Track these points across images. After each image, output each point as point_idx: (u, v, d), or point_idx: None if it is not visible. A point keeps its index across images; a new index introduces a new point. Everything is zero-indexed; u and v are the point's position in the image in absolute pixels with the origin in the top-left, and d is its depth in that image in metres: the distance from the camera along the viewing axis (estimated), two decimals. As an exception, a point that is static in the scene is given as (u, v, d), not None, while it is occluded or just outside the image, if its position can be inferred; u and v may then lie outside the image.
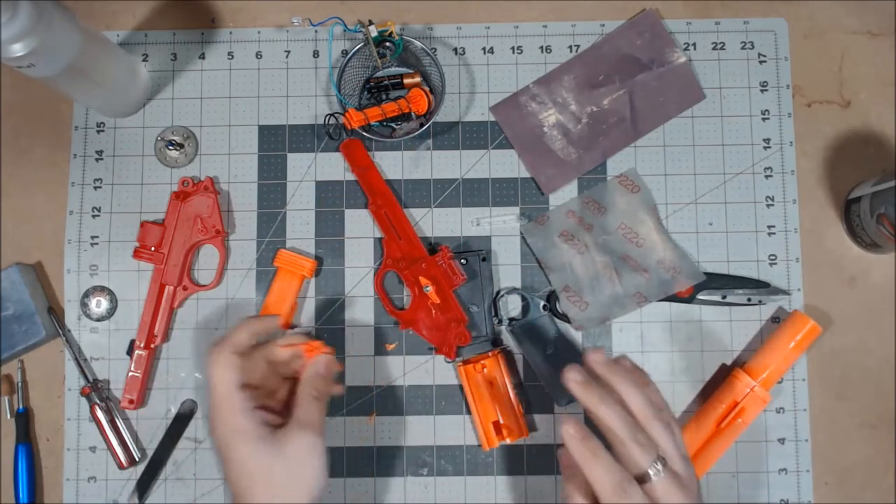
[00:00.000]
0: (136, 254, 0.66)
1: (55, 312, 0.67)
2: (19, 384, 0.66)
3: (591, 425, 0.49)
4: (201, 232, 0.66)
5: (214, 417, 0.52)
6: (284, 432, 0.52)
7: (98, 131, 0.69)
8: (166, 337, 0.67)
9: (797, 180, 0.68)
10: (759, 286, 0.66)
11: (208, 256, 0.68)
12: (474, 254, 0.66)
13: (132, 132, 0.69)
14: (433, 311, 0.64)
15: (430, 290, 0.64)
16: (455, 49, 0.70)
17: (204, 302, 0.67)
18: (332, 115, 0.67)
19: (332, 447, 0.65)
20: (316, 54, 0.70)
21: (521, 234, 0.67)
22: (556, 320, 0.66)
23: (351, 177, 0.68)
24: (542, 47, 0.70)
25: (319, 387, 0.55)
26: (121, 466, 0.64)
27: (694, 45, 0.69)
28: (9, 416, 0.66)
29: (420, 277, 0.64)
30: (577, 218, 0.67)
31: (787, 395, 0.66)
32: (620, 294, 0.66)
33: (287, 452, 0.51)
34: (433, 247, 0.67)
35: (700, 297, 0.66)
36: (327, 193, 0.68)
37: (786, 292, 0.66)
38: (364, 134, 0.66)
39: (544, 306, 0.66)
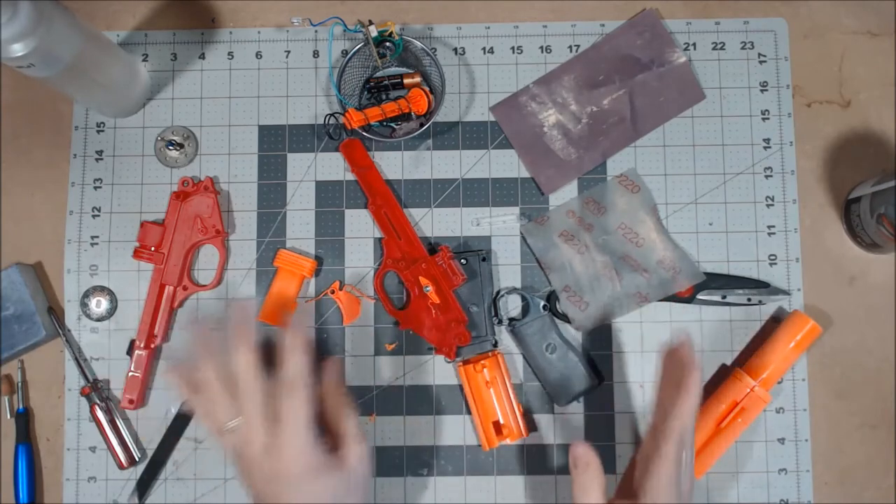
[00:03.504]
0: (136, 254, 0.66)
1: (55, 312, 0.67)
2: (19, 384, 0.66)
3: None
4: (201, 232, 0.66)
5: (281, 458, 0.51)
6: (346, 453, 0.53)
7: (98, 131, 0.69)
8: (166, 337, 0.67)
9: (797, 180, 0.68)
10: (759, 286, 0.66)
11: (208, 256, 0.68)
12: (474, 254, 0.66)
13: (132, 132, 0.69)
14: (433, 311, 0.64)
15: (429, 290, 0.64)
16: (455, 49, 0.70)
17: (204, 302, 0.67)
18: (332, 115, 0.67)
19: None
20: (316, 54, 0.70)
21: (521, 234, 0.67)
22: (556, 320, 0.66)
23: (351, 177, 0.68)
24: (542, 47, 0.70)
25: (343, 392, 0.56)
26: (121, 466, 0.64)
27: (694, 45, 0.69)
28: (9, 416, 0.66)
29: (420, 277, 0.64)
30: (577, 218, 0.67)
31: (787, 395, 0.66)
32: (620, 294, 0.66)
33: (351, 469, 0.53)
34: (433, 247, 0.67)
35: (700, 297, 0.66)
36: (327, 193, 0.68)
37: (786, 292, 0.66)
38: (364, 134, 0.66)
39: (544, 306, 0.66)
